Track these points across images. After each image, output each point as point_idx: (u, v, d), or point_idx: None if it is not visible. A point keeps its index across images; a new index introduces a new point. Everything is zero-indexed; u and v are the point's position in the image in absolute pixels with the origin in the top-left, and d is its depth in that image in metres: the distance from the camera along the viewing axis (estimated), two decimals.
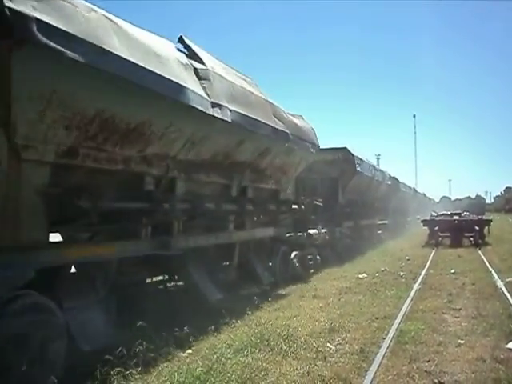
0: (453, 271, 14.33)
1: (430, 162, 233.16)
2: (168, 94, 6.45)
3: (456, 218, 26.86)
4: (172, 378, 5.29)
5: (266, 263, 11.76)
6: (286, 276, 12.43)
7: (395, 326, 7.77)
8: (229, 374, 5.37)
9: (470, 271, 14.30)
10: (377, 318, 8.37)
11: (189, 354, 6.33)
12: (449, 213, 29.49)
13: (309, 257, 14.37)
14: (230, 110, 8.11)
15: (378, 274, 14.20)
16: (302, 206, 14.13)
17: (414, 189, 50.00)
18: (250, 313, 8.60)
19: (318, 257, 15.19)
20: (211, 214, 8.73)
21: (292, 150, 11.53)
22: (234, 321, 7.90)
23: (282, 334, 7.05)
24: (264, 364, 5.84)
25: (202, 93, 7.39)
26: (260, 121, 9.38)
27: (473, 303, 9.59)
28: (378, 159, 59.36)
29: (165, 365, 5.86)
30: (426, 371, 5.66)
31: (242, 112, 8.58)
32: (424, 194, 64.15)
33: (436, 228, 25.57)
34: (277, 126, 10.30)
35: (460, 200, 72.03)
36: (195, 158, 8.01)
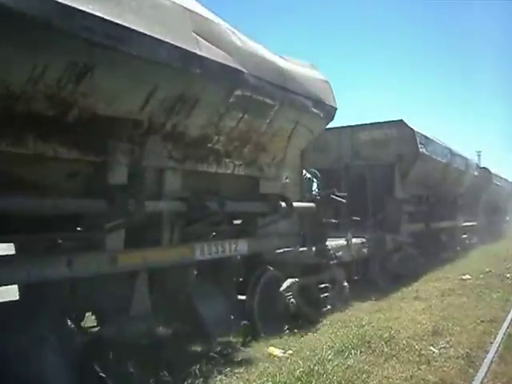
0: None
1: None
2: None
3: None
4: (274, 378, 5.35)
5: (229, 300, 7.07)
6: (274, 320, 7.52)
7: (503, 329, 7.43)
8: (330, 376, 5.36)
9: None
10: (482, 321, 8.02)
11: (290, 354, 6.38)
12: None
13: (322, 285, 8.87)
14: None
15: (482, 275, 13.56)
16: (312, 204, 8.84)
17: None
18: (350, 314, 8.60)
19: (345, 284, 9.72)
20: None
21: (264, 107, 6.86)
22: (334, 322, 7.93)
23: (384, 336, 6.95)
24: (366, 366, 5.77)
25: None
26: (139, 32, 4.65)
27: None
28: (478, 156, 56.17)
29: (266, 365, 5.92)
30: None
31: (69, 4, 3.96)
32: None
33: None
34: (203, 53, 5.55)
35: None
36: None
